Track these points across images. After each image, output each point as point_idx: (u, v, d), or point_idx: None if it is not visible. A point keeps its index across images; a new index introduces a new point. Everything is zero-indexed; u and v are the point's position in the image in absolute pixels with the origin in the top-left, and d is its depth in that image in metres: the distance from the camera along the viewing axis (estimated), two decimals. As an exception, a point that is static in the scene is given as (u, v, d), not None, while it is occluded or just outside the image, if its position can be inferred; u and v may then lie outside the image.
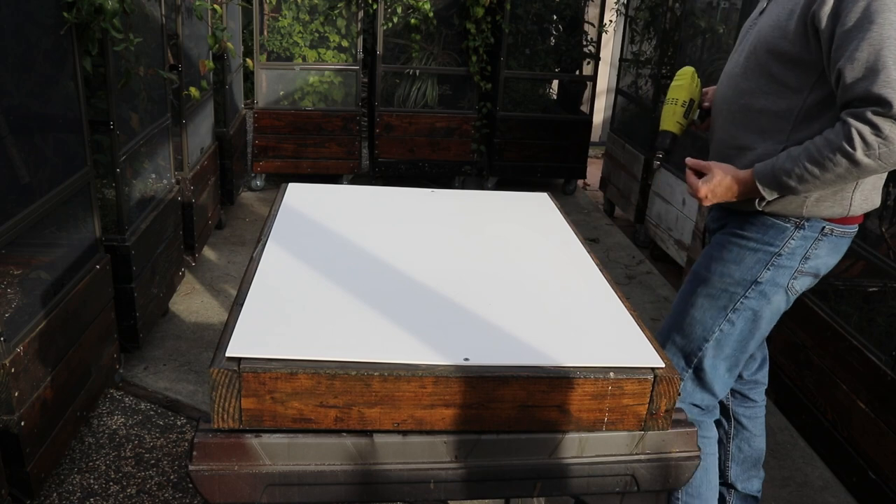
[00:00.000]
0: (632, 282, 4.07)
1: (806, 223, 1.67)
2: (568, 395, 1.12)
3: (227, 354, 1.08)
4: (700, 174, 1.73)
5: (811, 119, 1.61)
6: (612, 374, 1.13)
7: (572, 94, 5.76)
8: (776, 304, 1.76)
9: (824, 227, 1.68)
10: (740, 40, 1.83)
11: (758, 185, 1.62)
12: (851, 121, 1.48)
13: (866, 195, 1.67)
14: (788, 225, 1.69)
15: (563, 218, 1.87)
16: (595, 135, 6.85)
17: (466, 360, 1.12)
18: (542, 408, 1.13)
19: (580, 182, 5.83)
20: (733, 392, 2.03)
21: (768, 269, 1.72)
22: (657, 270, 4.26)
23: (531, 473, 1.16)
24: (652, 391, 1.14)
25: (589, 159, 5.67)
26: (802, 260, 1.71)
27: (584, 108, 5.56)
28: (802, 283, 1.75)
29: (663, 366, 1.15)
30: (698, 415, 1.88)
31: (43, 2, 2.14)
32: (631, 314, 1.32)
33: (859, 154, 1.47)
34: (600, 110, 6.90)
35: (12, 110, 2.08)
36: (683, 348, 1.83)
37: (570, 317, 1.30)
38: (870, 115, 1.45)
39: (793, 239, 1.69)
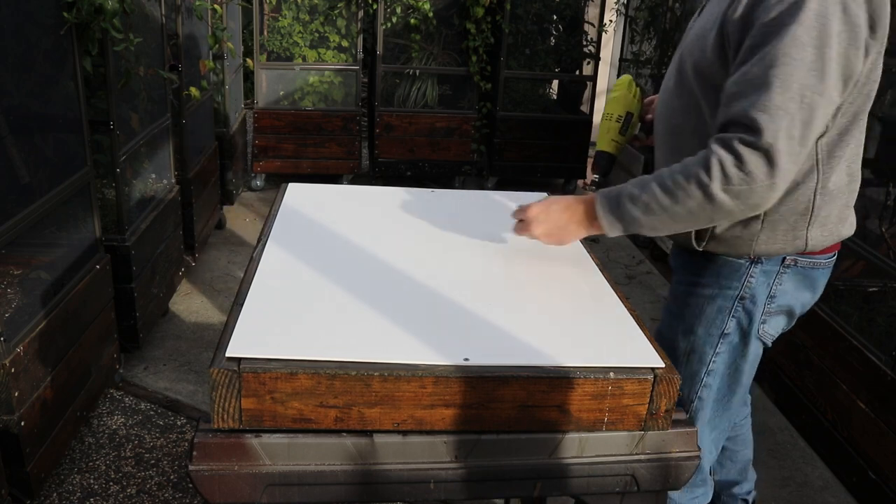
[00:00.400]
0: (632, 282, 4.07)
1: (762, 257, 1.45)
2: (568, 395, 1.12)
3: (227, 355, 1.08)
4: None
5: None
6: (612, 374, 1.13)
7: (572, 94, 5.76)
8: (752, 354, 1.55)
9: (785, 259, 1.46)
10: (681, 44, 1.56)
11: (597, 210, 1.38)
12: (715, 147, 1.27)
13: (829, 229, 1.44)
14: (743, 261, 1.46)
15: (563, 218, 1.86)
16: (595, 135, 6.85)
17: (466, 360, 1.12)
18: (542, 408, 1.13)
19: (580, 182, 5.83)
20: None
21: (732, 316, 1.50)
22: (657, 270, 4.26)
23: (531, 473, 1.16)
24: (652, 391, 1.14)
25: (589, 159, 5.67)
26: (768, 299, 1.48)
27: (584, 108, 5.56)
28: (775, 325, 1.53)
29: (663, 366, 1.15)
30: None
31: (43, 2, 2.14)
32: (631, 314, 1.32)
33: (715, 187, 1.26)
34: (600, 110, 6.89)
35: (12, 110, 2.08)
36: None
37: (570, 317, 1.30)
38: (736, 143, 1.24)
39: (752, 276, 1.46)
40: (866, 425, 2.38)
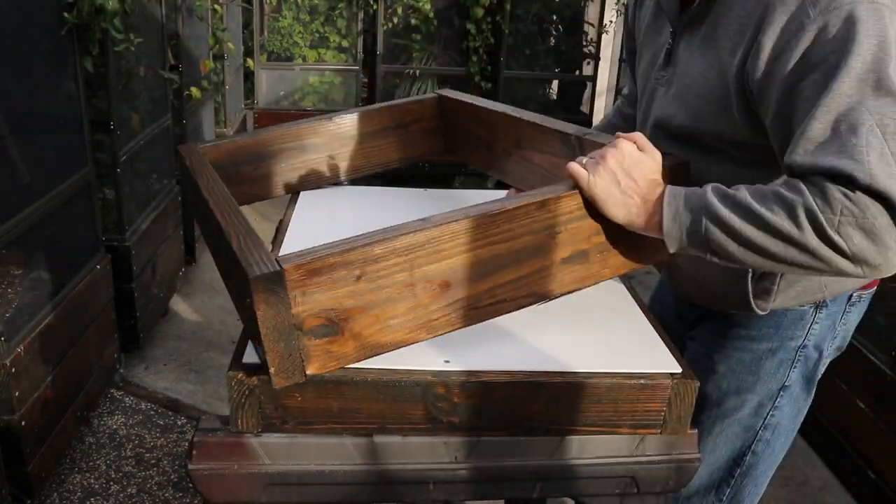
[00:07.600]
0: (632, 281, 4.07)
1: (829, 300, 1.30)
2: (569, 396, 1.12)
3: (245, 361, 1.08)
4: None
5: None
6: (616, 377, 1.13)
7: (572, 94, 5.76)
8: (812, 393, 1.40)
9: (851, 296, 1.32)
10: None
11: (664, 212, 1.04)
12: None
13: None
14: (806, 308, 1.30)
15: (563, 218, 1.86)
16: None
17: (467, 361, 1.12)
18: (543, 408, 1.12)
19: (580, 182, 5.83)
20: None
21: (794, 367, 1.34)
22: (657, 270, 4.26)
23: (531, 475, 1.16)
24: (657, 394, 1.13)
25: (589, 159, 5.66)
26: (831, 340, 1.34)
27: (584, 108, 5.56)
28: (827, 363, 1.41)
29: (679, 371, 1.14)
30: None
31: (43, 2, 2.14)
32: (646, 316, 1.32)
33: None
34: (600, 110, 6.89)
35: (13, 110, 2.08)
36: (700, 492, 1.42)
37: (573, 317, 1.30)
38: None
39: (816, 323, 1.31)
40: (866, 425, 2.38)
